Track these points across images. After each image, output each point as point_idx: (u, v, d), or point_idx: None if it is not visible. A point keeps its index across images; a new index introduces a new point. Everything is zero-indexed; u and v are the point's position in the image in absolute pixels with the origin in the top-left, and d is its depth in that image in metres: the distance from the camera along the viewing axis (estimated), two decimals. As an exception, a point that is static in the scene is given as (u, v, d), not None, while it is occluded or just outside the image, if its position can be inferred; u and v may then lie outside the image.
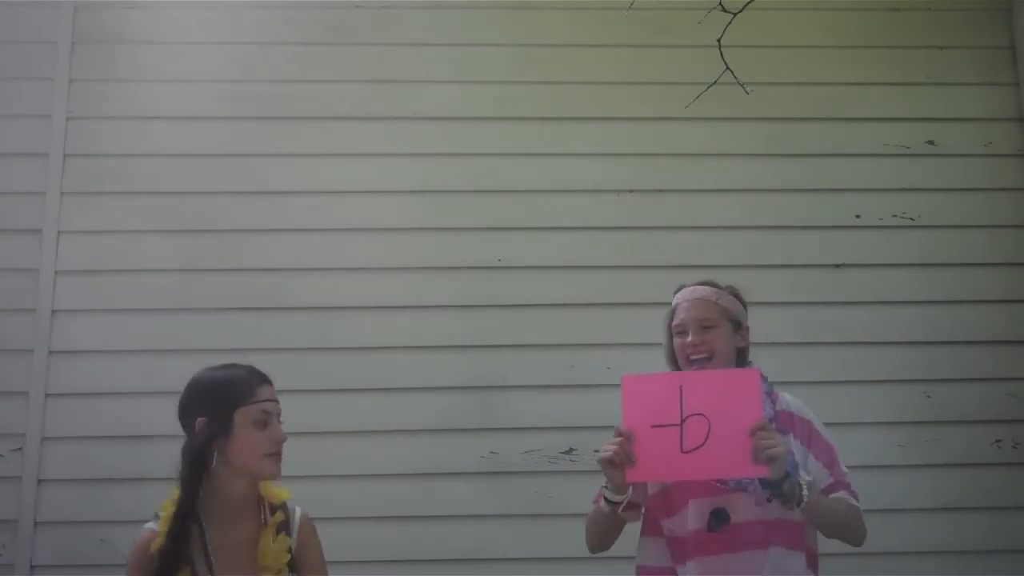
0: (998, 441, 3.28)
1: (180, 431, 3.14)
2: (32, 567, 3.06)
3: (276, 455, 2.09)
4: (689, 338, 2.27)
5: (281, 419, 2.16)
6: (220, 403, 2.10)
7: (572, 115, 3.47)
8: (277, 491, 2.17)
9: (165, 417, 3.17)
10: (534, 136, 3.45)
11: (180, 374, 3.22)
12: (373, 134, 3.44)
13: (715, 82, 2.69)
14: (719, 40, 2.56)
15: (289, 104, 3.45)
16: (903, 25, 3.61)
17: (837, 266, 3.41)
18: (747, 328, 2.36)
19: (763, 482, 2.06)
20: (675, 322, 2.33)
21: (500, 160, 3.42)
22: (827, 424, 3.22)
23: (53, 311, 3.24)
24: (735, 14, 2.58)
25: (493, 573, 3.10)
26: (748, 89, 2.66)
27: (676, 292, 2.40)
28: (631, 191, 3.43)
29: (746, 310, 2.38)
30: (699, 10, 2.61)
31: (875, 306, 3.38)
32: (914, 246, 3.43)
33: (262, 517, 2.10)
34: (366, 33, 3.52)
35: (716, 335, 2.28)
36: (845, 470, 2.31)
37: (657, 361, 3.20)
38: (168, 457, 3.15)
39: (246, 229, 3.34)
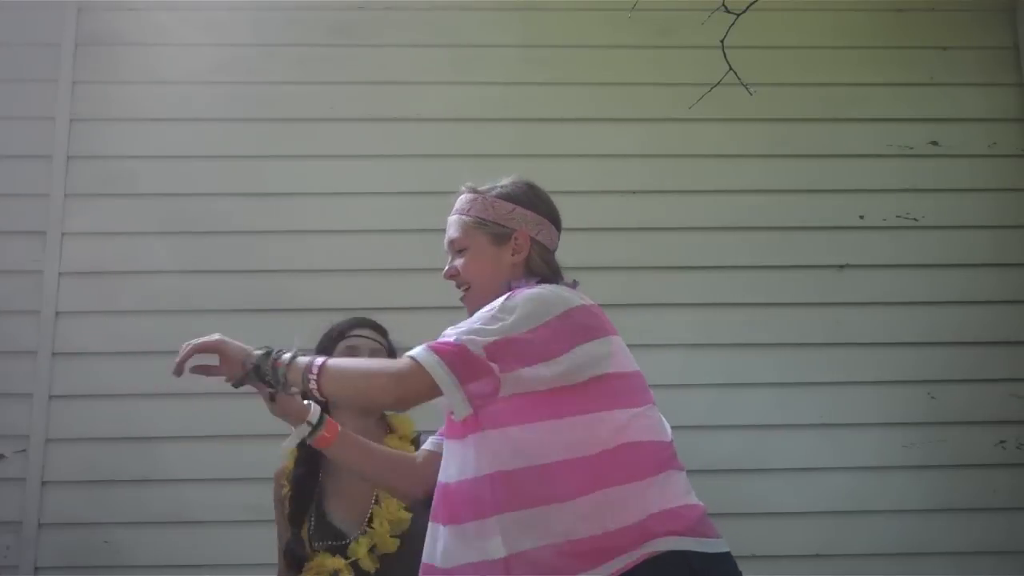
0: (1002, 442, 3.28)
1: (183, 432, 3.17)
2: (36, 569, 3.06)
3: None
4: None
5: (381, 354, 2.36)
6: (323, 343, 2.41)
7: (575, 116, 3.47)
8: (401, 421, 2.36)
9: (169, 418, 3.21)
10: (537, 137, 3.44)
11: (184, 376, 3.24)
12: (376, 135, 3.43)
13: (718, 83, 2.69)
14: (722, 41, 2.56)
15: (292, 105, 3.44)
16: (906, 26, 3.60)
17: (841, 267, 3.40)
18: (526, 235, 1.86)
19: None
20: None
21: (503, 161, 3.37)
22: (829, 425, 3.26)
23: (57, 313, 3.24)
24: (738, 15, 2.59)
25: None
26: (751, 90, 2.66)
27: None
28: (634, 192, 3.42)
29: (539, 211, 1.90)
30: (702, 11, 2.61)
31: (879, 307, 3.37)
32: (918, 247, 3.42)
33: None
34: (368, 34, 3.52)
35: (468, 259, 1.88)
36: (468, 328, 1.69)
37: (661, 361, 3.22)
38: (172, 458, 3.18)
39: (249, 231, 3.34)
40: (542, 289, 1.76)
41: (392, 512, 2.22)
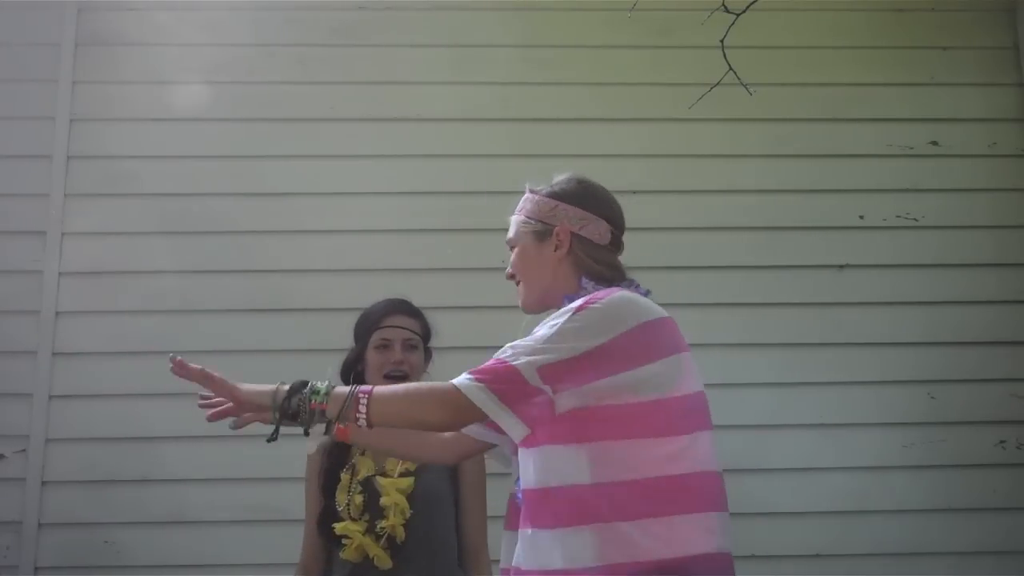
0: (1002, 442, 3.28)
1: (183, 432, 3.17)
2: (36, 569, 3.06)
3: (391, 376, 2.36)
4: None
5: (414, 343, 2.47)
6: (359, 328, 2.49)
7: (575, 116, 3.47)
8: None
9: (169, 418, 3.20)
10: (537, 137, 3.44)
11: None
12: (376, 135, 3.43)
13: (718, 83, 2.70)
14: (722, 41, 2.56)
15: (292, 105, 3.45)
16: (906, 26, 3.60)
17: (841, 267, 3.40)
18: (566, 230, 1.85)
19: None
20: None
21: (503, 161, 3.42)
22: (828, 425, 3.26)
23: (57, 313, 3.24)
24: (738, 15, 2.59)
25: None
26: (751, 90, 2.67)
27: None
28: (634, 192, 3.41)
29: (585, 206, 1.88)
30: (702, 11, 2.62)
31: (879, 307, 3.37)
32: (918, 247, 3.42)
33: None
34: (369, 34, 3.52)
35: (515, 256, 1.92)
36: (517, 347, 1.68)
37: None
38: (172, 458, 3.18)
39: (249, 231, 3.34)
40: (618, 299, 1.72)
41: (395, 497, 2.29)
